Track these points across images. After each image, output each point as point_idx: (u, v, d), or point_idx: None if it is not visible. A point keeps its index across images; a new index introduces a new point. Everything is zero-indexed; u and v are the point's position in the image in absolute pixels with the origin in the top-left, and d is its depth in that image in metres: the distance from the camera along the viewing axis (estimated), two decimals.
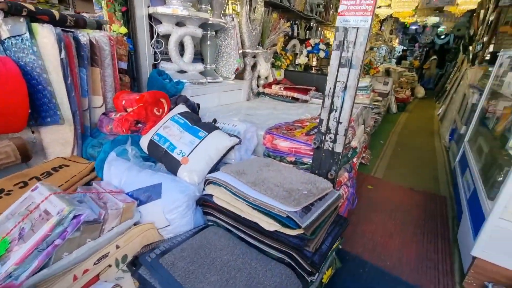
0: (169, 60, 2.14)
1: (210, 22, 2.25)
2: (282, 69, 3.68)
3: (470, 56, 5.51)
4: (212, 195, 1.23)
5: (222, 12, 2.67)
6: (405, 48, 11.47)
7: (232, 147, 1.42)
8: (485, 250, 1.24)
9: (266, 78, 3.40)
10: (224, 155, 1.39)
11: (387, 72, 5.77)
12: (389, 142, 3.75)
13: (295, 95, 2.92)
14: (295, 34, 3.85)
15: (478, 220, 1.34)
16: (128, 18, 1.90)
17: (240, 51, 2.73)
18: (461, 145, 2.54)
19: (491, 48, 4.43)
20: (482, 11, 5.62)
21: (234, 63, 2.66)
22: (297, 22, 3.94)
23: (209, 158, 1.30)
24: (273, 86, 3.06)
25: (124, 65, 1.88)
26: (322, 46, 3.24)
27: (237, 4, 2.93)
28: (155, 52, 2.12)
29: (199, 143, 1.31)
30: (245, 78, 3.00)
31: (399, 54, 10.97)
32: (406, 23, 9.27)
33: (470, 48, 5.76)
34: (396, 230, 1.79)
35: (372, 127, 3.84)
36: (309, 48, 3.27)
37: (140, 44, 1.99)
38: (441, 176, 2.77)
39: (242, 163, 1.34)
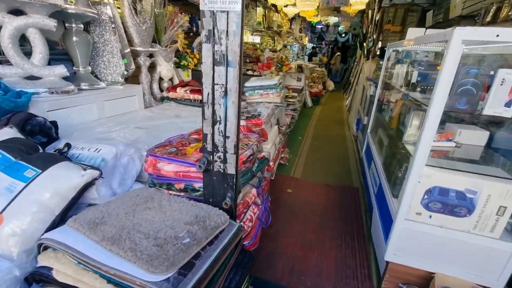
0: (8, 62, 1.53)
1: (69, 11, 1.71)
2: (190, 69, 3.31)
3: (365, 52, 6.21)
4: (50, 268, 0.80)
5: None
6: (314, 45, 12.48)
7: (91, 184, 1.00)
8: (396, 253, 1.19)
9: (171, 80, 2.98)
10: (77, 197, 0.97)
11: (300, 68, 6.02)
12: (306, 136, 3.82)
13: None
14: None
15: (387, 220, 1.30)
16: None
17: (128, 49, 2.24)
18: (365, 135, 2.67)
19: (379, 44, 5.03)
20: (370, 12, 6.38)
21: (121, 64, 2.16)
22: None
23: (45, 210, 0.86)
24: (178, 89, 2.67)
25: None
26: None
27: None
28: None
29: (24, 188, 0.85)
30: (141, 82, 2.52)
31: (310, 51, 11.85)
32: (312, 22, 10.02)
33: (365, 44, 6.49)
34: (315, 239, 1.68)
35: (289, 124, 3.85)
36: None
37: None
38: (352, 166, 2.91)
39: (106, 206, 0.95)
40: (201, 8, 0.78)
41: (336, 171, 2.76)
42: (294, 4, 6.44)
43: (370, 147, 2.26)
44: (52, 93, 1.62)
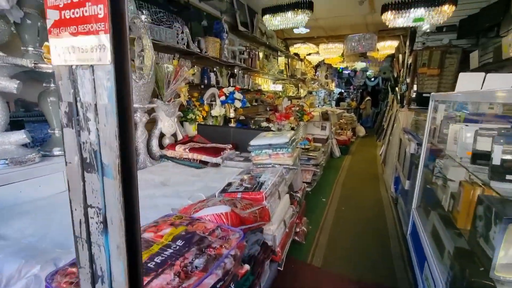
0: None
1: (44, 70, 1.53)
2: (198, 122, 3.05)
3: (398, 97, 5.67)
4: None
5: None
6: (342, 90, 12.22)
7: None
8: None
9: (175, 135, 2.71)
10: None
11: (326, 115, 5.61)
12: (332, 197, 3.20)
13: (203, 157, 2.23)
14: (213, 82, 3.33)
15: None
16: None
17: None
18: (409, 207, 2.02)
19: (414, 87, 4.51)
20: (400, 56, 6.00)
21: None
22: (215, 69, 3.47)
23: None
24: (177, 147, 2.35)
25: None
26: (238, 95, 2.72)
27: None
28: None
29: None
30: (136, 140, 2.25)
31: (337, 96, 11.56)
32: (338, 68, 9.90)
33: (397, 89, 5.98)
34: None
35: (311, 182, 3.29)
36: (223, 98, 2.73)
37: None
38: (394, 249, 2.18)
39: None
40: (53, 61, 0.39)
41: (372, 256, 2.07)
42: (318, 53, 6.33)
43: (419, 234, 1.61)
44: (12, 164, 1.35)
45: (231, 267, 0.85)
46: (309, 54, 6.50)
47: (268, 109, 5.03)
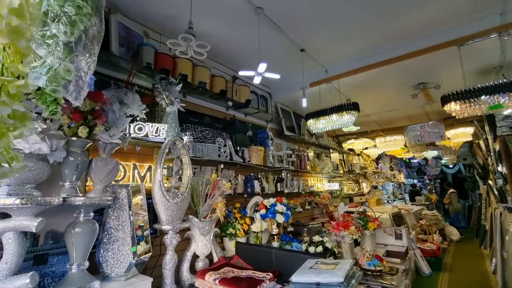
0: None
1: (76, 203, 1.53)
2: (239, 238, 2.70)
3: (495, 191, 4.45)
4: None
5: (115, 182, 2.05)
6: (415, 181, 10.71)
7: None
8: None
9: (210, 257, 2.37)
10: None
11: (398, 218, 4.61)
12: None
13: None
14: (257, 190, 3.13)
15: None
16: None
17: (145, 232, 1.88)
18: None
19: None
20: (481, 141, 5.08)
21: (129, 254, 1.73)
22: (260, 176, 3.33)
23: None
24: (208, 276, 1.97)
25: None
26: (280, 207, 2.38)
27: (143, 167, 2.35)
28: None
29: None
30: (164, 267, 1.98)
31: (410, 189, 10.05)
32: (404, 159, 8.97)
33: (490, 182, 4.79)
34: None
35: None
36: (263, 212, 2.41)
37: None
38: None
39: None
40: None
41: None
42: (375, 146, 5.91)
43: None
44: None
45: None
46: (366, 148, 6.11)
47: (324, 211, 4.43)
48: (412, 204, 7.28)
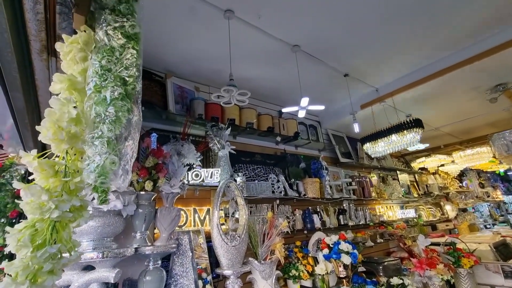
0: None
1: (146, 252, 1.67)
2: (304, 280, 2.51)
3: None
4: None
5: (178, 227, 2.17)
6: None
7: None
8: None
9: None
10: None
11: (504, 249, 3.68)
12: None
13: None
14: (317, 225, 2.95)
15: None
16: None
17: (208, 277, 1.91)
18: None
19: None
20: None
21: None
22: (319, 209, 3.15)
23: None
24: None
25: None
26: (344, 245, 2.15)
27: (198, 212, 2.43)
28: None
29: None
30: None
31: None
32: (497, 172, 7.42)
33: None
34: None
35: None
36: (326, 252, 2.21)
37: None
38: None
39: None
40: None
41: None
42: (453, 161, 5.09)
43: None
44: None
45: None
46: (442, 165, 5.29)
47: (400, 244, 3.85)
48: None
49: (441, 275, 2.47)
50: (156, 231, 2.11)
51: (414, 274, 2.58)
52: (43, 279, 0.46)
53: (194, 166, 2.25)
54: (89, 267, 1.53)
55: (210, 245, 2.14)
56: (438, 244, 3.20)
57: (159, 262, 1.79)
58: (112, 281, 1.45)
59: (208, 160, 2.58)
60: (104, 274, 1.46)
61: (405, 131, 2.82)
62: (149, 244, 1.77)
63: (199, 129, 2.59)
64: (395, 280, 2.20)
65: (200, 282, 1.85)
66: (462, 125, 4.50)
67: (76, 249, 0.50)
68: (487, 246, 3.57)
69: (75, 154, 0.52)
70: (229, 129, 2.50)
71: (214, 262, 2.19)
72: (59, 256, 0.47)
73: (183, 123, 2.34)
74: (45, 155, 0.51)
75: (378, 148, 3.04)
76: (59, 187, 0.48)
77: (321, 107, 2.36)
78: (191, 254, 1.90)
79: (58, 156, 0.51)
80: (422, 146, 3.66)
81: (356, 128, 2.88)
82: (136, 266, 1.86)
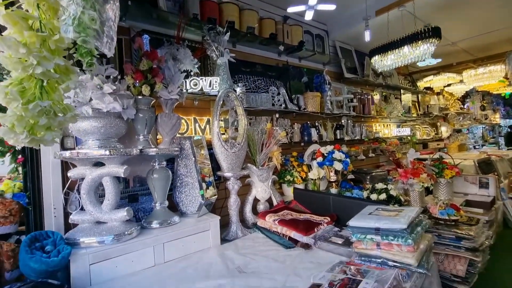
0: None
1: (150, 153, 1.77)
2: (297, 184, 2.78)
3: None
4: None
5: (180, 134, 2.24)
6: None
7: None
8: None
9: (270, 200, 2.54)
10: None
11: (486, 166, 3.96)
12: None
13: (292, 234, 1.89)
14: (314, 138, 3.06)
15: None
16: (29, 169, 1.57)
17: (210, 178, 2.09)
18: None
19: None
20: None
21: (199, 196, 1.98)
22: (317, 124, 3.21)
23: None
24: (268, 217, 2.14)
25: (8, 229, 1.44)
26: (338, 154, 2.28)
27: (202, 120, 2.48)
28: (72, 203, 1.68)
29: None
30: (229, 208, 2.22)
31: (507, 131, 8.31)
32: (503, 94, 7.27)
33: None
34: None
35: (466, 275, 2.15)
36: (320, 160, 2.35)
37: (45, 195, 1.58)
38: None
39: None
40: None
41: None
42: (462, 81, 4.91)
43: None
44: (118, 240, 1.55)
45: None
46: (448, 85, 5.13)
47: (390, 159, 4.11)
48: (508, 149, 6.11)
49: (423, 183, 2.71)
50: (159, 137, 2.19)
51: (398, 182, 2.83)
52: (42, 134, 0.47)
53: (192, 73, 2.15)
54: (99, 164, 1.65)
55: (211, 152, 2.26)
56: (425, 160, 3.40)
57: (164, 163, 1.92)
58: (122, 175, 1.57)
59: (206, 69, 2.46)
60: (114, 170, 1.58)
61: (419, 42, 2.59)
62: (153, 146, 1.86)
63: (195, 33, 2.36)
64: (379, 185, 2.42)
65: (203, 185, 2.03)
66: (482, 40, 4.13)
67: (70, 112, 0.51)
68: (471, 162, 3.82)
69: (49, 14, 0.46)
70: (228, 33, 2.28)
71: (216, 167, 2.36)
72: (53, 113, 0.47)
73: (177, 25, 2.11)
74: (13, 3, 0.45)
75: (387, 62, 2.86)
76: (37, 43, 0.45)
77: (332, 7, 2.09)
78: (193, 158, 2.02)
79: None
80: (433, 61, 3.45)
81: (367, 36, 2.63)
82: (143, 166, 2.02)
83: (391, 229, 1.42)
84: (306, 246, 1.80)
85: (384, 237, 1.45)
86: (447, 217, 2.39)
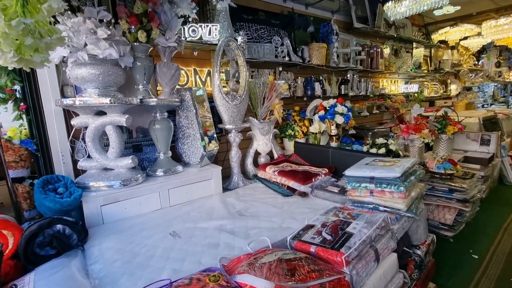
0: None
1: (151, 103, 1.77)
2: (298, 139, 2.81)
3: None
4: None
5: (180, 86, 2.20)
6: None
7: None
8: None
9: (271, 154, 2.60)
10: None
11: (492, 124, 3.91)
12: (492, 255, 2.09)
13: (291, 183, 1.97)
14: (318, 93, 2.99)
15: None
16: (32, 117, 1.59)
17: (212, 132, 2.11)
18: None
19: None
20: None
21: (200, 147, 2.03)
22: (321, 78, 3.11)
23: None
24: (268, 168, 2.21)
25: (21, 173, 1.53)
26: (340, 108, 2.25)
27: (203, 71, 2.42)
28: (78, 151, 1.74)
29: None
30: (231, 160, 2.29)
31: None
32: None
33: None
34: None
35: (453, 224, 2.29)
36: (321, 113, 2.33)
37: (52, 142, 1.64)
38: None
39: None
40: None
41: None
42: (479, 34, 4.59)
43: None
44: (126, 185, 1.64)
45: None
46: (465, 38, 4.81)
47: (394, 116, 4.07)
48: None
49: (424, 138, 2.72)
50: (159, 88, 2.16)
51: (399, 138, 2.84)
52: (31, 56, 0.47)
53: (190, 19, 2.03)
54: (101, 113, 1.67)
55: (213, 105, 2.25)
56: (428, 117, 3.36)
57: (166, 114, 1.93)
58: (125, 124, 1.60)
59: (205, 16, 2.31)
60: (116, 118, 1.60)
61: None
62: (153, 97, 1.85)
63: None
64: (380, 140, 2.44)
65: (206, 138, 2.06)
66: None
67: (56, 34, 0.50)
68: (476, 120, 3.77)
69: None
70: None
71: (217, 121, 2.37)
72: (39, 33, 0.47)
73: None
74: None
75: (400, 9, 2.65)
76: None
77: None
78: (194, 110, 2.02)
79: None
80: (451, 9, 3.18)
81: None
82: (145, 118, 2.04)
83: (385, 178, 1.47)
84: (303, 195, 1.90)
85: (378, 185, 1.51)
86: (443, 171, 2.45)
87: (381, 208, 1.48)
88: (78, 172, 1.73)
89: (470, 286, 1.77)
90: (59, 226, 1.22)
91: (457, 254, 2.10)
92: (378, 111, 3.95)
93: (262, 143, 2.45)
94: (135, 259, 1.19)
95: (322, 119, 2.34)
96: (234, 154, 2.29)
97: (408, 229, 1.54)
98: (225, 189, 2.16)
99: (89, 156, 1.70)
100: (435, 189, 2.41)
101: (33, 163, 1.61)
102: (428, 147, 3.13)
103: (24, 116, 1.58)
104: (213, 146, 2.10)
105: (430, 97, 5.09)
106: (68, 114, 1.70)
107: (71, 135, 1.70)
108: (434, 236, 1.79)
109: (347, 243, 1.17)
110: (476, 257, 2.06)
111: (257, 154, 2.53)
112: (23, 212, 1.51)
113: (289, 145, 2.81)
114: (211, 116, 2.19)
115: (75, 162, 1.71)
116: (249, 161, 2.46)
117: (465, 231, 2.35)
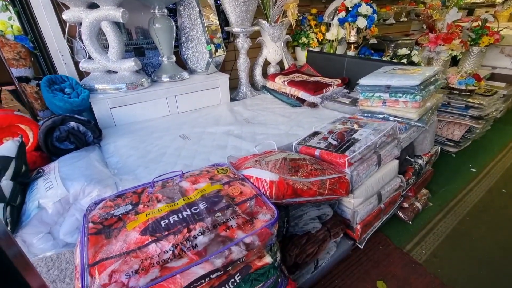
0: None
1: None
2: (312, 48, 2.58)
3: None
4: None
5: None
6: None
7: None
8: None
9: (281, 64, 2.44)
10: None
11: None
12: (489, 170, 2.16)
13: (300, 94, 1.91)
14: None
15: None
16: (20, 8, 1.44)
17: (219, 39, 1.92)
18: None
19: None
20: None
21: (205, 52, 1.89)
22: None
23: None
24: (277, 79, 2.11)
25: (24, 72, 1.49)
26: (364, 8, 1.94)
27: None
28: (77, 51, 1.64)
29: None
30: (239, 69, 2.17)
31: None
32: None
33: None
34: None
35: (458, 141, 2.29)
36: (342, 15, 2.02)
37: (48, 41, 1.53)
38: None
39: None
40: None
41: None
42: None
43: None
44: (130, 88, 1.62)
45: (239, 257, 0.69)
46: None
47: (424, 25, 3.58)
48: None
49: (452, 50, 2.45)
50: None
51: (425, 50, 2.57)
52: None
53: None
54: (94, 6, 1.49)
55: (219, 3, 1.98)
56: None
57: (165, 11, 1.72)
58: (121, 20, 1.45)
59: None
60: (111, 13, 1.44)
61: None
62: None
63: None
64: (402, 51, 2.21)
65: (212, 46, 1.87)
66: None
67: None
68: None
69: None
70: None
71: (224, 24, 2.13)
72: None
73: None
74: None
75: None
76: None
77: None
78: (197, 8, 1.78)
79: None
80: None
81: None
82: (144, 17, 1.83)
83: (402, 86, 1.38)
84: (313, 105, 1.86)
85: (393, 95, 1.43)
86: (464, 87, 2.30)
87: (391, 118, 1.45)
88: (82, 75, 1.69)
89: (460, 194, 1.90)
90: (72, 123, 1.26)
91: (455, 167, 2.18)
92: (406, 19, 3.46)
93: (273, 50, 2.26)
94: (148, 155, 1.27)
95: (341, 22, 2.05)
96: (242, 62, 2.15)
97: (415, 139, 1.55)
98: (233, 99, 2.13)
99: (90, 58, 1.61)
100: (450, 105, 2.31)
101: (34, 63, 1.55)
102: (453, 62, 2.86)
103: (11, 8, 1.43)
104: (219, 53, 1.95)
105: (470, 3, 4.35)
106: (58, 7, 1.53)
107: (66, 32, 1.57)
108: (439, 148, 1.81)
109: (352, 147, 1.19)
110: (474, 170, 2.14)
111: (266, 64, 2.37)
112: (37, 112, 1.55)
113: (302, 55, 2.60)
114: (216, 18, 1.96)
115: (76, 64, 1.64)
116: (258, 71, 2.33)
117: (469, 147, 2.38)
